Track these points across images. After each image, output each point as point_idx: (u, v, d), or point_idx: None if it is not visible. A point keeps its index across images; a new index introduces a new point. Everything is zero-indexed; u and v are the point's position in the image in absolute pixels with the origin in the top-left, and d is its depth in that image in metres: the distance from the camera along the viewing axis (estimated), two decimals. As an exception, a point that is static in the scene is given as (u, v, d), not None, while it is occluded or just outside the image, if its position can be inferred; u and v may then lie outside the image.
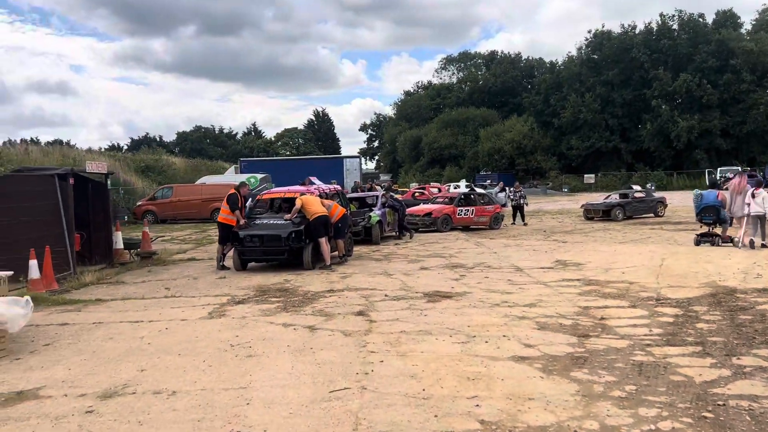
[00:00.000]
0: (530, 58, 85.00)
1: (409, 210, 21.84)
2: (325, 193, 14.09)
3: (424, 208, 22.20)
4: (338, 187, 15.51)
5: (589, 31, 68.75)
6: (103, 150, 74.94)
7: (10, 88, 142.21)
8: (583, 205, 26.23)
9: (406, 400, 4.89)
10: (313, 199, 12.83)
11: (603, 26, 68.84)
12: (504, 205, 23.50)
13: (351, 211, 17.78)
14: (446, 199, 22.94)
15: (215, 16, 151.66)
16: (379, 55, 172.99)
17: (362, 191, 37.79)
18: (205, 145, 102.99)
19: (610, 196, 27.36)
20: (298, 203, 12.60)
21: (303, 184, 14.57)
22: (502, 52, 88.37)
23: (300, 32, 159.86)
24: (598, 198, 30.24)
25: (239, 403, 4.93)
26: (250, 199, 13.46)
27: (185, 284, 11.19)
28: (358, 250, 15.85)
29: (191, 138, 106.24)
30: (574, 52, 71.21)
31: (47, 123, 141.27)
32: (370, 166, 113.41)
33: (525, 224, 22.67)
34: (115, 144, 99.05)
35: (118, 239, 14.47)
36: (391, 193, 19.36)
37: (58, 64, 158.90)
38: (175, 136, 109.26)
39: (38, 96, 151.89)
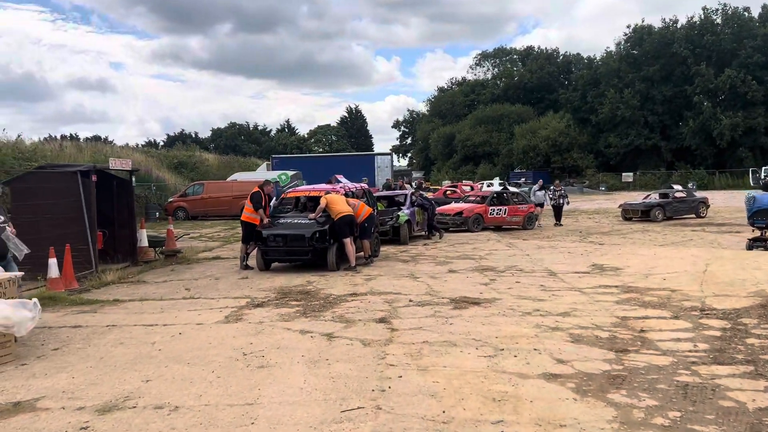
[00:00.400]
0: (567, 53, 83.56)
1: (439, 209, 21.36)
2: (351, 191, 13.70)
3: (454, 207, 21.68)
4: (365, 185, 15.11)
5: (629, 26, 67.30)
6: (139, 146, 76.26)
7: (52, 86, 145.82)
8: (621, 205, 25.40)
9: (423, 423, 4.45)
10: (338, 197, 12.45)
11: (643, 21, 67.00)
12: (541, 205, 22.41)
13: (378, 210, 17.40)
14: (478, 198, 22.36)
15: (251, 13, 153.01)
16: (413, 51, 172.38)
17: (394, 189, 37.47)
18: (240, 142, 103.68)
19: (649, 195, 26.44)
20: (322, 202, 12.23)
21: (329, 182, 14.19)
22: (538, 48, 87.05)
23: (334, 29, 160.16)
24: (636, 197, 29.32)
25: (243, 422, 4.55)
26: (274, 198, 13.12)
27: (206, 285, 10.91)
28: (385, 250, 15.44)
29: (225, 134, 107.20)
30: (612, 48, 69.68)
31: (87, 119, 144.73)
32: (402, 163, 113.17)
33: (560, 224, 21.93)
34: (152, 140, 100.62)
35: (143, 237, 14.30)
36: (421, 192, 18.88)
37: (98, 62, 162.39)
38: (210, 132, 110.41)
39: (79, 93, 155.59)
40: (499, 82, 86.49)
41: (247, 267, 12.60)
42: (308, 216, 12.40)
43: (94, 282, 11.18)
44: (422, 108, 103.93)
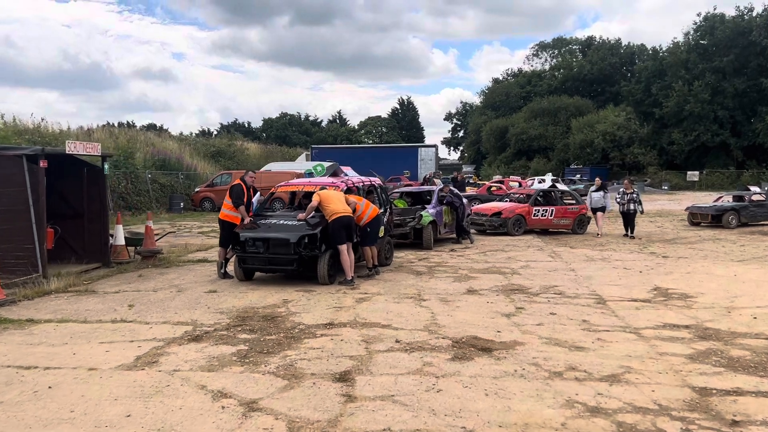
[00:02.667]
0: (631, 44, 78.92)
1: (475, 208, 18.82)
2: (356, 187, 11.34)
3: (492, 206, 19.04)
4: (376, 180, 12.71)
5: (699, 14, 62.57)
6: (192, 135, 75.89)
7: (117, 75, 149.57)
8: (688, 208, 22.18)
9: None
10: (334, 194, 10.11)
11: (714, 9, 62.22)
12: (601, 210, 17.84)
13: (400, 208, 15.00)
14: (522, 196, 19.63)
15: (308, 6, 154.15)
16: (470, 44, 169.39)
17: (433, 184, 34.91)
18: (290, 132, 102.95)
19: (721, 197, 23.11)
20: (314, 200, 9.92)
21: (334, 174, 11.86)
22: (600, 38, 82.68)
23: (391, 21, 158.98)
24: (705, 199, 25.96)
25: None
26: (258, 193, 10.86)
27: (158, 300, 8.74)
28: (402, 256, 13.07)
29: (276, 125, 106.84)
30: (680, 38, 64.95)
31: (150, 108, 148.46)
32: (454, 156, 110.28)
33: (631, 236, 17.02)
34: (206, 129, 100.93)
35: (118, 234, 12.31)
36: (452, 188, 16.36)
37: (161, 52, 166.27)
38: (262, 122, 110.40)
39: (143, 82, 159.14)
40: (557, 73, 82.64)
41: (226, 275, 10.42)
42: (298, 216, 10.09)
43: (29, 291, 9.16)
44: (476, 100, 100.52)
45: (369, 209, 10.56)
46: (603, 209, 17.84)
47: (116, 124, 77.63)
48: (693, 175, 53.74)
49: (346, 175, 11.78)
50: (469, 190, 34.14)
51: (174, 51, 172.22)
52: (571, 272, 11.12)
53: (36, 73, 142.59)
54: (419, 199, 16.14)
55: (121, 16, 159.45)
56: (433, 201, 15.34)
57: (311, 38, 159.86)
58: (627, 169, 60.10)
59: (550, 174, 47.08)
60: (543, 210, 18.25)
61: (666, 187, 52.19)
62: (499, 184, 31.56)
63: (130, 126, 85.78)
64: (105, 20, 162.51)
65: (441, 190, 15.85)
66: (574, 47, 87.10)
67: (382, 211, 11.88)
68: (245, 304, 8.36)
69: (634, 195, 17.29)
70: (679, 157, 58.21)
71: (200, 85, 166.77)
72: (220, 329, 7.06)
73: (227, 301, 8.57)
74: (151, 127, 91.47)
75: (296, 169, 34.17)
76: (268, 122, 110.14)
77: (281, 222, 10.07)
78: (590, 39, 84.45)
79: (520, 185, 32.49)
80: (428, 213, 14.62)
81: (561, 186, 19.05)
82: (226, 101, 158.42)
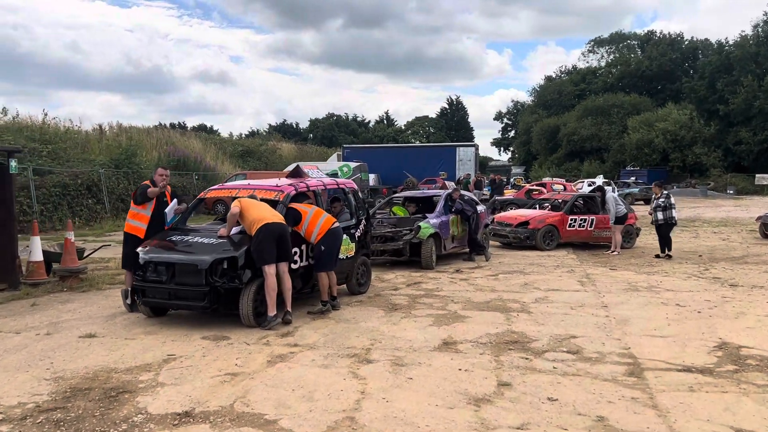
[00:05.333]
0: (693, 38, 73.57)
1: (498, 217, 15.88)
2: (312, 192, 8.61)
3: (518, 214, 15.99)
4: (349, 183, 9.89)
5: (771, 3, 57.17)
6: (242, 136, 74.98)
7: (177, 78, 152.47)
8: (759, 218, 18.57)
9: None
10: (256, 203, 7.44)
11: (789, -2, 56.88)
12: (621, 220, 14.41)
13: (396, 217, 12.24)
14: (558, 202, 16.50)
15: (361, 8, 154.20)
16: (524, 44, 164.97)
17: (471, 186, 31.88)
18: (336, 133, 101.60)
19: (801, 205, 19.43)
20: (234, 208, 7.26)
21: (294, 175, 9.15)
22: (660, 33, 77.52)
23: (443, 23, 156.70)
24: (780, 207, 22.20)
25: None
26: (175, 201, 8.21)
27: (3, 350, 6.24)
28: (389, 279, 10.38)
29: (322, 125, 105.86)
30: (748, 31, 59.73)
31: (209, 111, 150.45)
32: (504, 158, 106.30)
33: (667, 256, 13.49)
34: (255, 130, 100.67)
35: (34, 248, 9.92)
36: (464, 193, 13.45)
37: (219, 56, 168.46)
38: (308, 123, 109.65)
39: (202, 85, 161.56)
40: (613, 70, 77.94)
41: (134, 307, 7.84)
42: (219, 232, 7.45)
43: None
44: (527, 99, 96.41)
45: (320, 220, 7.85)
46: (622, 219, 14.40)
47: (169, 125, 77.75)
48: (762, 179, 48.92)
49: (303, 174, 8.94)
50: (508, 194, 31.07)
51: (231, 54, 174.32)
52: (602, 310, 8.12)
53: (101, 77, 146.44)
54: (427, 206, 13.28)
55: (180, 20, 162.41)
56: (438, 209, 12.48)
57: (364, 41, 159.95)
58: (688, 171, 55.51)
59: (601, 176, 43.28)
60: (581, 219, 15.14)
61: (731, 192, 47.58)
62: (539, 188, 28.25)
63: (182, 127, 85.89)
64: (165, 25, 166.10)
65: (450, 195, 12.98)
66: (633, 42, 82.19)
67: (353, 222, 9.13)
68: (102, 365, 5.75)
69: (661, 201, 13.56)
70: (747, 158, 53.25)
71: (257, 88, 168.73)
72: (16, 418, 4.48)
73: (84, 359, 5.98)
74: (201, 128, 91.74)
75: (321, 169, 31.83)
76: (314, 123, 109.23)
77: (197, 239, 7.43)
78: (650, 34, 79.42)
79: (565, 189, 29.17)
80: (428, 224, 11.78)
81: (609, 191, 15.73)
82: (282, 103, 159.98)
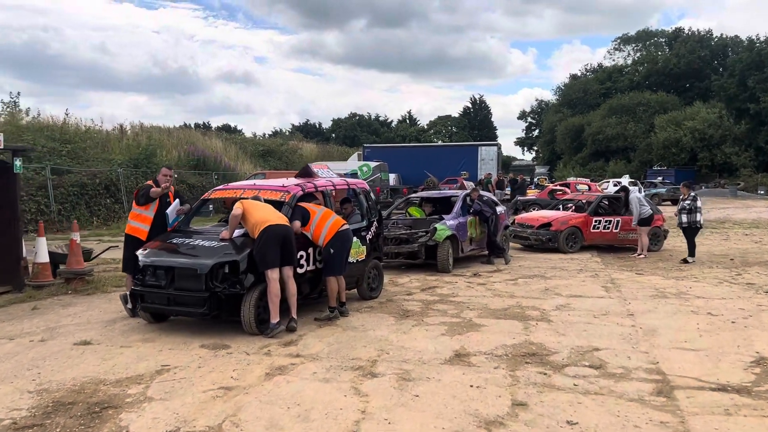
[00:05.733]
0: (723, 35, 71.91)
1: (519, 218, 15.38)
2: (320, 192, 8.22)
3: (540, 215, 15.45)
4: (360, 183, 9.49)
5: (805, -2, 55.53)
6: (266, 136, 75.15)
7: (203, 79, 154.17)
8: (794, 219, 17.85)
9: None
10: (260, 205, 7.09)
11: (823, -8, 55.26)
12: (646, 221, 13.78)
13: (411, 219, 11.84)
14: (582, 202, 15.92)
15: (384, 8, 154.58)
16: (549, 43, 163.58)
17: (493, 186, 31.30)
18: (358, 132, 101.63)
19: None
20: (236, 209, 6.91)
21: (303, 175, 8.77)
22: (689, 30, 75.90)
23: (466, 22, 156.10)
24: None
25: None
26: (177, 200, 7.89)
27: (-12, 358, 5.96)
28: (403, 283, 9.99)
29: (344, 125, 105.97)
30: (781, 25, 58.14)
31: (234, 111, 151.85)
32: (528, 157, 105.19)
33: (690, 261, 12.70)
34: (278, 130, 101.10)
35: (40, 249, 9.69)
36: (483, 193, 12.97)
37: (243, 56, 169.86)
38: (331, 122, 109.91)
39: (227, 85, 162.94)
40: (639, 68, 76.55)
41: (135, 312, 7.53)
42: (221, 234, 7.10)
43: None
44: (551, 98, 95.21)
45: (328, 222, 7.46)
46: (648, 221, 13.77)
47: (193, 126, 78.24)
48: (795, 179, 47.60)
49: (313, 174, 8.57)
50: (531, 194, 30.45)
51: (256, 55, 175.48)
52: (627, 319, 7.62)
53: (128, 78, 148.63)
54: (444, 207, 12.82)
55: (205, 21, 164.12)
56: (455, 209, 12.03)
57: (387, 41, 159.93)
58: (717, 170, 54.22)
59: (627, 176, 42.37)
60: (606, 221, 14.58)
61: (762, 192, 46.28)
62: (563, 188, 27.59)
63: (206, 127, 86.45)
64: (191, 26, 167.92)
65: (468, 195, 12.52)
66: (660, 40, 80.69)
67: (364, 224, 8.74)
68: (91, 376, 5.42)
69: (687, 203, 12.82)
70: (779, 157, 51.90)
71: (280, 88, 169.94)
72: (-17, 436, 4.16)
73: (73, 368, 5.66)
74: (225, 128, 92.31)
75: (340, 169, 31.48)
76: (336, 123, 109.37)
77: (198, 242, 7.09)
78: (678, 31, 77.86)
79: (589, 189, 28.49)
80: (445, 225, 11.34)
81: (634, 192, 15.12)
82: (305, 104, 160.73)
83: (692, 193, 12.88)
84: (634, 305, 8.46)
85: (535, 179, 52.32)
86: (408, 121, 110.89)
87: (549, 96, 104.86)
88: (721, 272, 11.57)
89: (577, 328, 7.11)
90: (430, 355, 6.04)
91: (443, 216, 11.84)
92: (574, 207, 15.90)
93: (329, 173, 9.03)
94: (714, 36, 72.08)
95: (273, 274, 6.64)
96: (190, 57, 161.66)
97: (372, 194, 9.33)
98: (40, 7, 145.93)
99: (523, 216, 15.89)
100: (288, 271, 6.85)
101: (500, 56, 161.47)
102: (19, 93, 40.13)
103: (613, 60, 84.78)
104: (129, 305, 7.52)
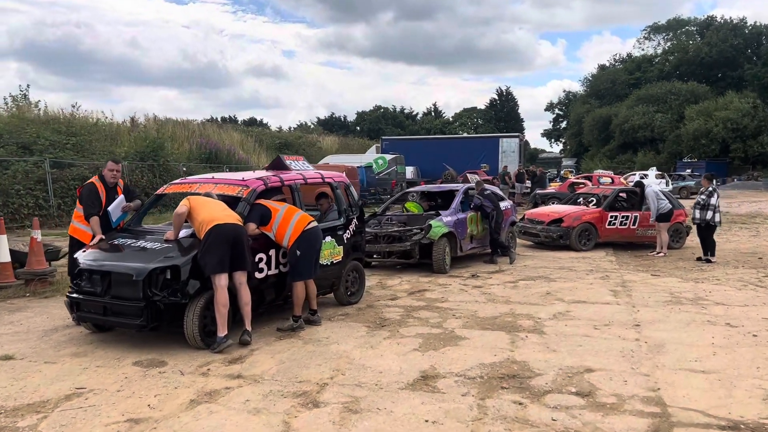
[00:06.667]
0: (758, 23, 69.28)
1: (529, 213, 14.42)
2: (288, 186, 7.37)
3: (551, 211, 14.43)
4: (338, 176, 8.56)
5: None
6: (291, 129, 74.77)
7: (232, 73, 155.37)
8: (831, 214, 16.55)
9: None
10: (209, 201, 6.29)
11: None
12: (665, 217, 12.63)
13: (406, 215, 10.99)
14: (599, 196, 14.86)
15: (411, 1, 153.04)
16: (578, 34, 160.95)
17: (510, 178, 30.23)
18: (383, 125, 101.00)
19: None
20: (180, 207, 6.12)
21: (275, 167, 7.96)
22: (721, 18, 73.31)
23: (494, 14, 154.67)
24: None
25: None
26: (122, 197, 7.10)
27: None
28: (392, 285, 9.14)
29: (369, 118, 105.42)
30: (819, 10, 55.69)
31: (263, 105, 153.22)
32: (555, 149, 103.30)
33: (710, 260, 11.64)
34: (303, 123, 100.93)
35: (2, 247, 9.03)
36: (487, 186, 12.00)
37: (272, 50, 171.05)
38: (355, 115, 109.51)
39: (255, 80, 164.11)
40: (670, 57, 74.26)
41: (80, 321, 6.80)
42: (165, 235, 6.32)
43: None
44: (579, 89, 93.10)
45: (293, 220, 6.64)
46: (667, 216, 12.63)
47: (219, 119, 78.32)
48: (833, 171, 45.54)
49: (285, 167, 7.74)
50: (554, 186, 29.33)
51: (284, 49, 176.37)
52: (632, 331, 6.67)
53: (158, 72, 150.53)
54: (446, 202, 11.90)
55: (234, 16, 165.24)
56: (453, 205, 11.11)
57: (414, 33, 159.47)
58: (750, 162, 52.20)
59: (654, 168, 40.82)
60: (622, 217, 13.53)
61: (798, 185, 44.32)
62: (584, 181, 26.41)
63: (233, 121, 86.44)
64: (220, 20, 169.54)
65: (469, 190, 11.60)
66: (692, 29, 78.20)
67: (341, 221, 7.90)
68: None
69: (701, 198, 11.70)
70: (816, 149, 49.77)
71: (309, 82, 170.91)
72: None
73: (-17, 387, 4.94)
74: (251, 121, 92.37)
75: (354, 162, 30.64)
76: (361, 115, 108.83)
77: (143, 244, 6.32)
78: (710, 19, 75.30)
79: (612, 182, 27.26)
80: (441, 222, 10.44)
81: (653, 185, 14.00)
82: (334, 97, 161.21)
83: (710, 188, 11.78)
84: (642, 313, 7.50)
85: (560, 172, 50.95)
86: (433, 114, 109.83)
87: (577, 87, 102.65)
88: (746, 273, 10.51)
89: (572, 343, 6.19)
90: (392, 376, 5.19)
91: (441, 212, 10.94)
92: (584, 201, 14.86)
93: (304, 165, 8.19)
94: (748, 24, 69.57)
95: (220, 281, 5.84)
96: (219, 51, 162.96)
97: (352, 189, 8.45)
98: (74, 4, 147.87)
99: (533, 211, 14.90)
100: (240, 277, 6.05)
101: (529, 48, 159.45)
102: (28, 86, 40.03)
103: (643, 50, 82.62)
104: (75, 312, 6.79)
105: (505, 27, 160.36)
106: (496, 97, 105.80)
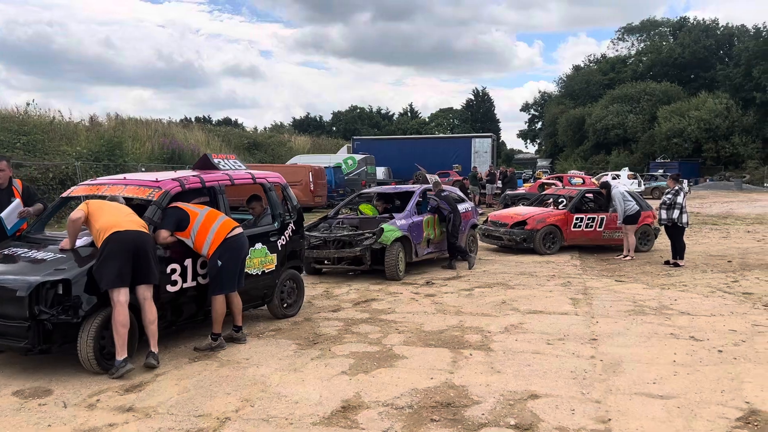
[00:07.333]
0: (729, 25, 69.80)
1: (492, 215, 13.84)
2: (212, 189, 6.64)
3: (515, 213, 13.84)
4: (273, 176, 7.81)
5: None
6: (266, 129, 73.55)
7: (208, 73, 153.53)
8: (801, 215, 16.20)
9: None
10: (110, 205, 5.57)
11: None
12: (632, 218, 12.09)
13: (359, 218, 10.35)
14: (565, 198, 14.31)
15: (388, 1, 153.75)
16: (554, 36, 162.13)
17: (484, 178, 29.72)
18: (359, 126, 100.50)
19: None
20: (76, 213, 5.40)
21: (202, 166, 7.24)
22: (694, 19, 73.79)
23: (471, 15, 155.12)
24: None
25: None
26: (18, 201, 6.33)
27: None
28: (339, 295, 8.41)
29: (345, 118, 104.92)
30: (790, 12, 56.08)
31: (240, 105, 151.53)
32: (531, 150, 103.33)
33: (678, 264, 11.14)
34: (279, 123, 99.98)
35: None
36: (444, 188, 11.35)
37: (248, 50, 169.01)
38: (331, 116, 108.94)
39: (232, 80, 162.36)
40: (644, 58, 74.55)
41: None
42: (61, 244, 5.58)
43: None
44: (554, 89, 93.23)
45: (214, 225, 5.94)
46: (634, 217, 12.14)
47: (194, 120, 76.98)
48: (803, 171, 45.86)
49: (214, 166, 7.01)
50: (524, 188, 28.88)
51: (261, 49, 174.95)
52: (587, 347, 6.06)
53: (133, 72, 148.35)
54: (404, 204, 11.24)
55: (211, 15, 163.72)
56: (408, 207, 10.47)
57: (392, 34, 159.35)
58: (723, 163, 52.42)
59: (627, 169, 40.64)
60: (588, 219, 13.00)
61: (769, 185, 44.59)
62: (554, 181, 25.96)
63: (206, 121, 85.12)
64: (196, 20, 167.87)
65: (426, 192, 10.97)
66: (665, 30, 78.62)
67: (275, 226, 7.19)
68: None
69: (667, 198, 11.24)
70: (787, 149, 50.07)
71: (286, 82, 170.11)
72: None
73: None
74: (226, 122, 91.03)
75: (323, 162, 29.91)
76: (336, 116, 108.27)
77: (37, 255, 5.57)
78: (683, 20, 75.76)
79: (584, 182, 26.86)
80: (394, 226, 9.78)
81: (620, 186, 13.45)
82: (311, 97, 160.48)
83: (676, 187, 11.28)
84: (601, 325, 6.90)
85: (535, 172, 50.72)
86: (409, 114, 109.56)
87: (553, 88, 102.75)
88: (715, 278, 10.01)
89: (519, 362, 5.56)
90: (308, 407, 4.51)
91: (394, 215, 10.28)
92: (554, 202, 14.32)
93: (235, 164, 7.48)
94: (720, 25, 70.07)
95: (119, 296, 5.12)
96: (195, 51, 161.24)
97: (289, 191, 7.74)
98: (46, 2, 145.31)
99: (496, 213, 14.31)
100: (145, 292, 5.33)
101: (506, 49, 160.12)
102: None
103: (617, 50, 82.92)
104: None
105: (482, 28, 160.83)
106: (473, 98, 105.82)
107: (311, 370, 5.36)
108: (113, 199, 5.79)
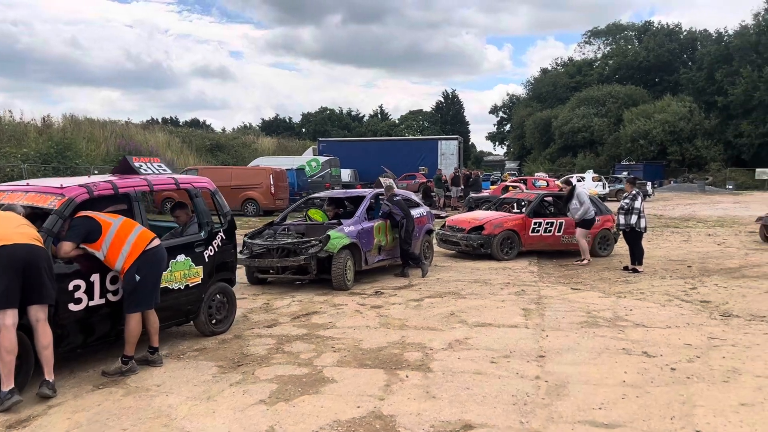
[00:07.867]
0: (692, 29, 70.84)
1: (450, 220, 13.42)
2: (126, 194, 6.07)
3: (472, 217, 13.42)
4: (200, 181, 7.27)
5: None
6: (234, 129, 72.27)
7: (177, 74, 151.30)
8: (760, 219, 16.04)
9: None
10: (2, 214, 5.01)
11: (791, -14, 53.96)
12: (586, 223, 11.94)
13: (310, 223, 9.84)
14: (523, 201, 13.92)
15: (360, 4, 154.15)
16: (523, 39, 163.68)
17: (449, 180, 29.40)
18: (328, 127, 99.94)
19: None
20: (-47, 225, 4.81)
21: (121, 170, 6.65)
22: (658, 23, 74.77)
23: (441, 18, 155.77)
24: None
25: None
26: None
27: None
28: (279, 308, 7.88)
29: (314, 119, 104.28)
30: (748, 20, 56.94)
31: (209, 106, 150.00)
32: (499, 152, 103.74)
33: (636, 270, 10.88)
34: (247, 125, 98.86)
35: None
36: (397, 192, 10.85)
37: (218, 51, 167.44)
38: (300, 117, 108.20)
39: (202, 80, 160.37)
40: (609, 61, 75.31)
41: None
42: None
43: None
44: (523, 92, 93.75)
45: (130, 237, 5.38)
46: (589, 223, 11.90)
47: (161, 121, 75.51)
48: (763, 173, 46.56)
49: (148, 171, 6.43)
50: (488, 191, 28.60)
51: (231, 50, 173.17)
52: (533, 365, 5.63)
53: (100, 72, 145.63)
54: (357, 209, 10.73)
55: (180, 15, 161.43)
56: (358, 213, 9.96)
57: (363, 36, 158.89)
58: (687, 165, 53.00)
59: (591, 171, 40.73)
60: (547, 223, 12.65)
61: (731, 187, 45.16)
62: (518, 184, 25.70)
63: (173, 122, 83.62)
64: (165, 20, 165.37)
65: (378, 196, 10.49)
66: (630, 34, 79.57)
67: (201, 236, 6.64)
68: None
69: (624, 202, 10.93)
70: (748, 152, 50.77)
71: (257, 83, 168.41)
72: None
73: None
74: (194, 123, 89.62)
75: (286, 164, 29.29)
76: (306, 117, 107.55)
77: None
78: (647, 24, 76.79)
79: (548, 185, 26.65)
80: (342, 233, 9.27)
81: (581, 188, 13.07)
82: (282, 99, 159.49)
83: (634, 191, 10.99)
84: (551, 340, 6.49)
85: (502, 175, 50.68)
86: (379, 116, 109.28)
87: (521, 91, 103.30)
88: (674, 285, 9.72)
89: (458, 384, 5.11)
90: (211, 444, 3.99)
91: (342, 221, 9.78)
92: (517, 206, 13.96)
93: (159, 167, 6.90)
94: (683, 30, 71.09)
95: (4, 319, 4.54)
96: (164, 51, 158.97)
97: (219, 197, 7.19)
98: (10, 1, 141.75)
99: (454, 218, 13.88)
100: (37, 313, 4.76)
101: (476, 52, 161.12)
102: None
103: (584, 54, 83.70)
104: None
105: (452, 31, 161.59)
106: (443, 100, 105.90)
107: (226, 399, 4.83)
108: (9, 207, 5.19)
